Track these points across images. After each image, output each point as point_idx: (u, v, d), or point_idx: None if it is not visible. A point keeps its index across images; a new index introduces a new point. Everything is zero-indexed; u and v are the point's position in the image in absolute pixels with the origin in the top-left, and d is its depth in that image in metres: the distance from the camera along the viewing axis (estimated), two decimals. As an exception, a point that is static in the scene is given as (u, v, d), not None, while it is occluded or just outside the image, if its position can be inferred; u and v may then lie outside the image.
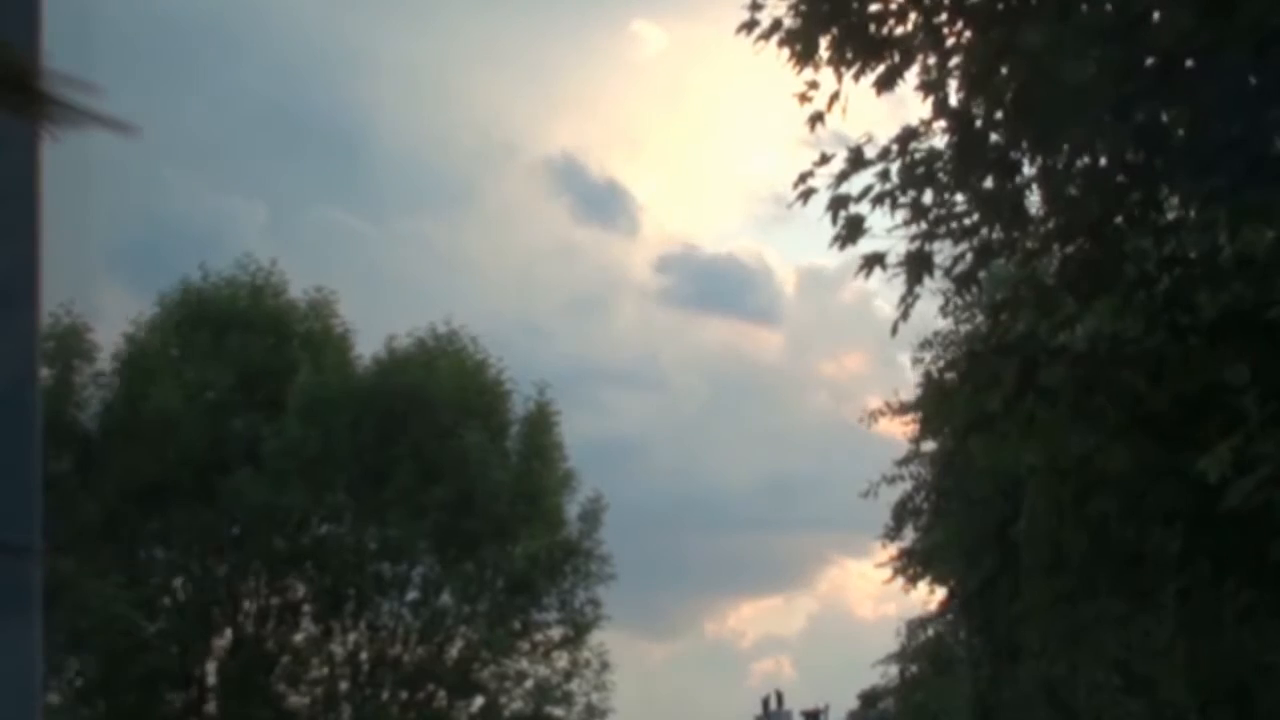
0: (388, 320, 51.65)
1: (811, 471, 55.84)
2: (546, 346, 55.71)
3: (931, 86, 12.00)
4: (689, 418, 59.97)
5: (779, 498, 58.63)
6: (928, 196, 11.95)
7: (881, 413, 25.79)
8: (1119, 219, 12.09)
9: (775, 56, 12.16)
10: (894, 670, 29.21)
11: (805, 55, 12.07)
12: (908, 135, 12.01)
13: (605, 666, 35.26)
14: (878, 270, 11.85)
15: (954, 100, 11.99)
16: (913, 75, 12.12)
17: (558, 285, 60.38)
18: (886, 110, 12.83)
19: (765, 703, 37.57)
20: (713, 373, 61.68)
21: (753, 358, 62.79)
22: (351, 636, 34.60)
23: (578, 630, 35.03)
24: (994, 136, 11.97)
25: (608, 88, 66.03)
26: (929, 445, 25.14)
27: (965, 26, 11.99)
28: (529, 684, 34.93)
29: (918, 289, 11.85)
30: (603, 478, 49.44)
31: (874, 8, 11.95)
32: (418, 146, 61.34)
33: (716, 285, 63.26)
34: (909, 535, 26.53)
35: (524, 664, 34.97)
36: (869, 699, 30.96)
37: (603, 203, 66.20)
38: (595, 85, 65.82)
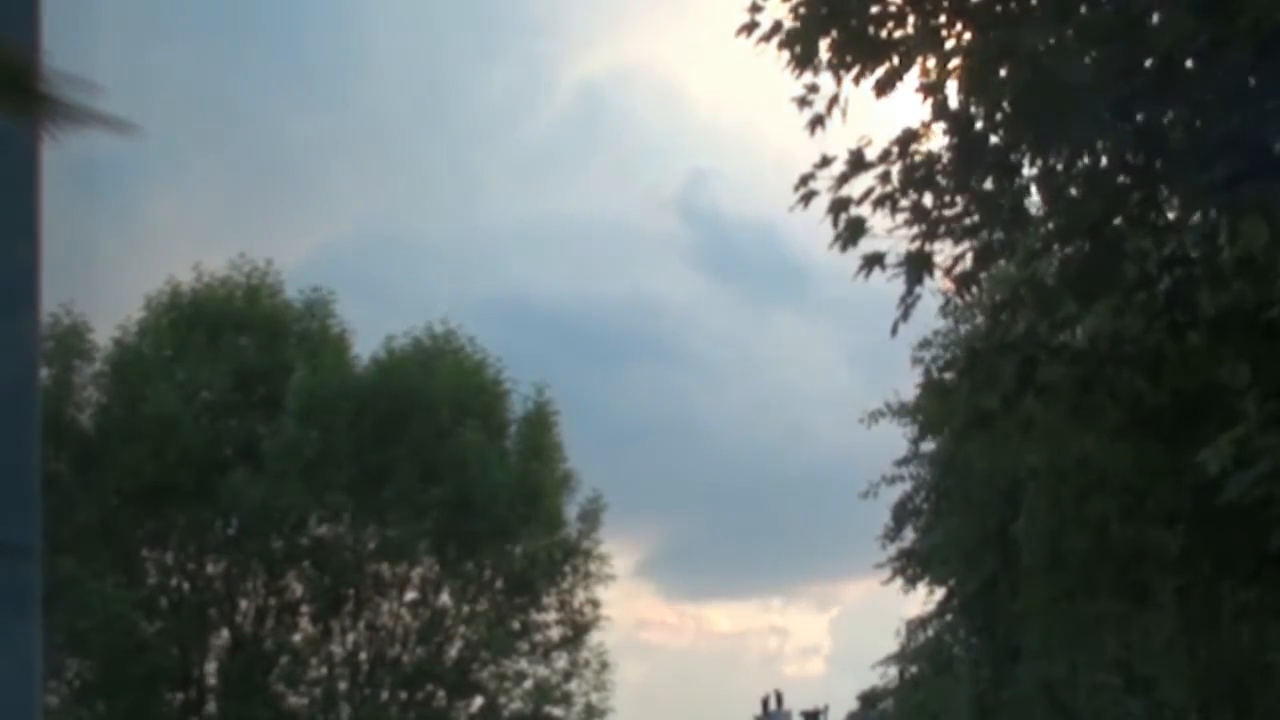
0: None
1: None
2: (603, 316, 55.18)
3: (931, 88, 12.00)
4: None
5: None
6: (928, 199, 11.95)
7: (881, 413, 25.77)
8: (1119, 219, 12.09)
9: (775, 59, 12.17)
10: (893, 671, 29.22)
11: (805, 58, 12.07)
12: (908, 137, 12.01)
13: (605, 666, 35.35)
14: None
15: (954, 102, 11.99)
16: (913, 77, 12.13)
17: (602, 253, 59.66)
18: (886, 113, 12.83)
19: (765, 703, 37.55)
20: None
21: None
22: (350, 637, 34.62)
23: (577, 630, 35.06)
24: (994, 138, 11.98)
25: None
26: (929, 445, 25.13)
27: (965, 28, 11.99)
28: (528, 684, 34.97)
29: (918, 289, 11.86)
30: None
31: (873, 10, 11.94)
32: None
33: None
34: (909, 536, 26.54)
35: (523, 664, 35.03)
36: (869, 699, 30.92)
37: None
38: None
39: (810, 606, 61.77)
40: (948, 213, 11.96)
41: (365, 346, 35.94)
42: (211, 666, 34.60)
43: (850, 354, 56.67)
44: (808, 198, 12.06)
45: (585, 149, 63.20)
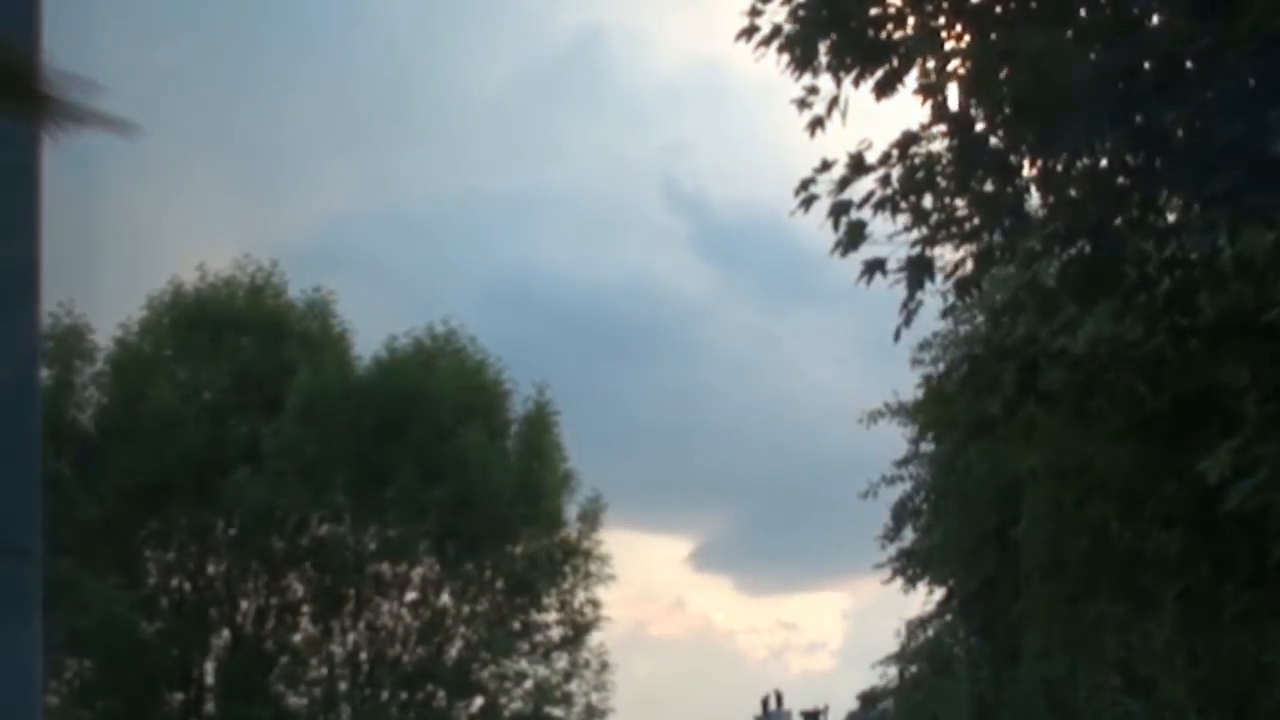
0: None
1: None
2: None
3: (931, 90, 12.00)
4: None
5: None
6: (928, 201, 11.94)
7: (880, 413, 25.78)
8: (1119, 221, 12.08)
9: (775, 62, 12.17)
10: (893, 671, 29.24)
11: (804, 61, 12.06)
12: (908, 140, 12.00)
13: (605, 666, 35.36)
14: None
15: (954, 104, 11.99)
16: (912, 79, 12.12)
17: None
18: (887, 115, 12.81)
19: (765, 703, 37.51)
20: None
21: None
22: (351, 637, 34.63)
23: (577, 630, 35.07)
24: (994, 140, 11.97)
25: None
26: (928, 446, 25.13)
27: (964, 30, 11.98)
28: (529, 684, 34.99)
29: (919, 294, 11.85)
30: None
31: (873, 12, 11.94)
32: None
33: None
34: (908, 536, 26.56)
35: (524, 664, 35.04)
36: (868, 699, 30.93)
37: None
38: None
39: (818, 603, 61.70)
40: (948, 215, 11.95)
41: (360, 329, 36.03)
42: (211, 666, 34.62)
43: (861, 343, 56.68)
44: (808, 202, 12.05)
45: (583, 125, 63.04)
